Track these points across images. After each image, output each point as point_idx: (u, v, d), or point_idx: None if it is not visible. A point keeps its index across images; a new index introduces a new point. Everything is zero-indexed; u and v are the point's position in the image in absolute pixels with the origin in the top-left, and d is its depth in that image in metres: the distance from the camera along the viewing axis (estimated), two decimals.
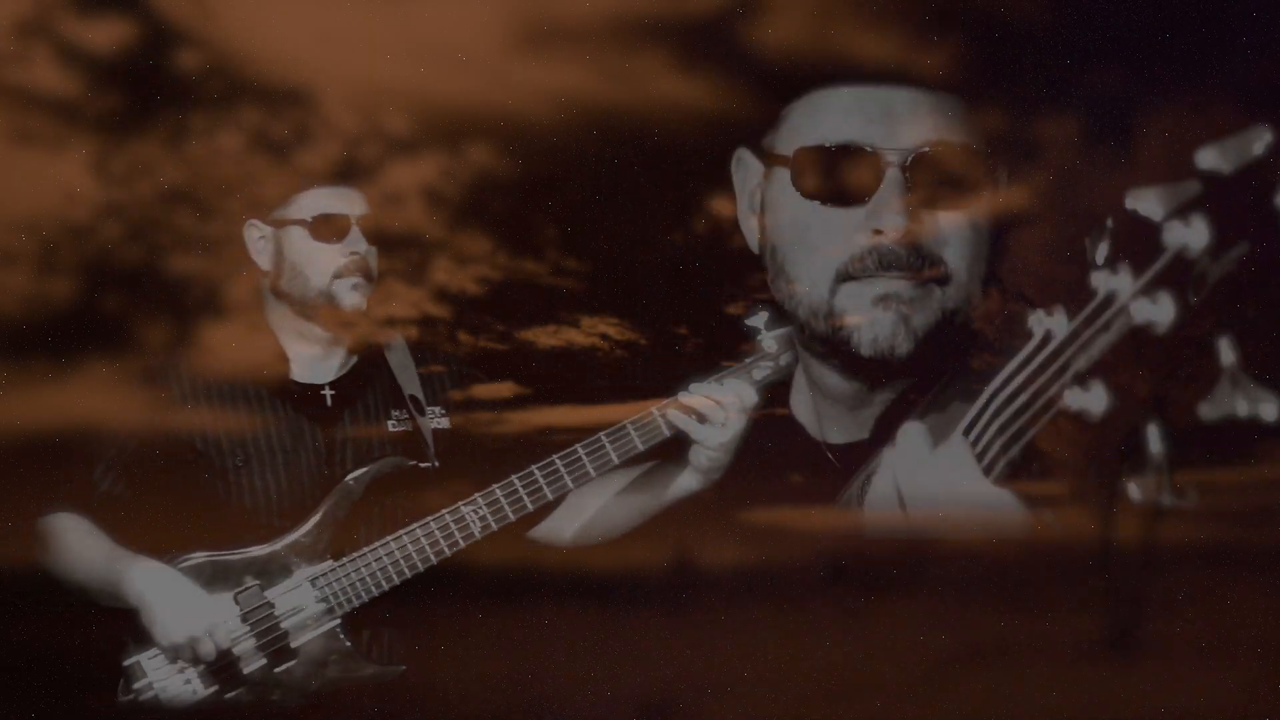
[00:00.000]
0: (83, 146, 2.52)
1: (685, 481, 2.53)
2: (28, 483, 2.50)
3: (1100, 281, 1.77)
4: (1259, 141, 1.65)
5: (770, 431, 2.48)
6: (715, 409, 2.42)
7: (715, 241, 2.63)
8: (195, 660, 2.43)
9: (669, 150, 2.57)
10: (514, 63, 2.51)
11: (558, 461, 2.51)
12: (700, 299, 2.68)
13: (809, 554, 2.51)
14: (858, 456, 2.42)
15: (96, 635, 2.51)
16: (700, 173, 2.59)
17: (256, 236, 2.55)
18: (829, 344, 2.30)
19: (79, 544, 2.48)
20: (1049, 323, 1.89)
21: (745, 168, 2.47)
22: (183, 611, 2.42)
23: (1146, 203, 1.69)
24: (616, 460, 2.51)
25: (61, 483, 2.49)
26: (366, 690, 2.52)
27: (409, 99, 2.54)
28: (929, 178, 2.20)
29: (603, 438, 2.51)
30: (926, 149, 2.20)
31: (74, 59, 2.48)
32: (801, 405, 2.50)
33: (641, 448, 2.51)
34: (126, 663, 2.45)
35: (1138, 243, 1.72)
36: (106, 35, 2.48)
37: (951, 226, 2.25)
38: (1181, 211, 1.67)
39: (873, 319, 2.24)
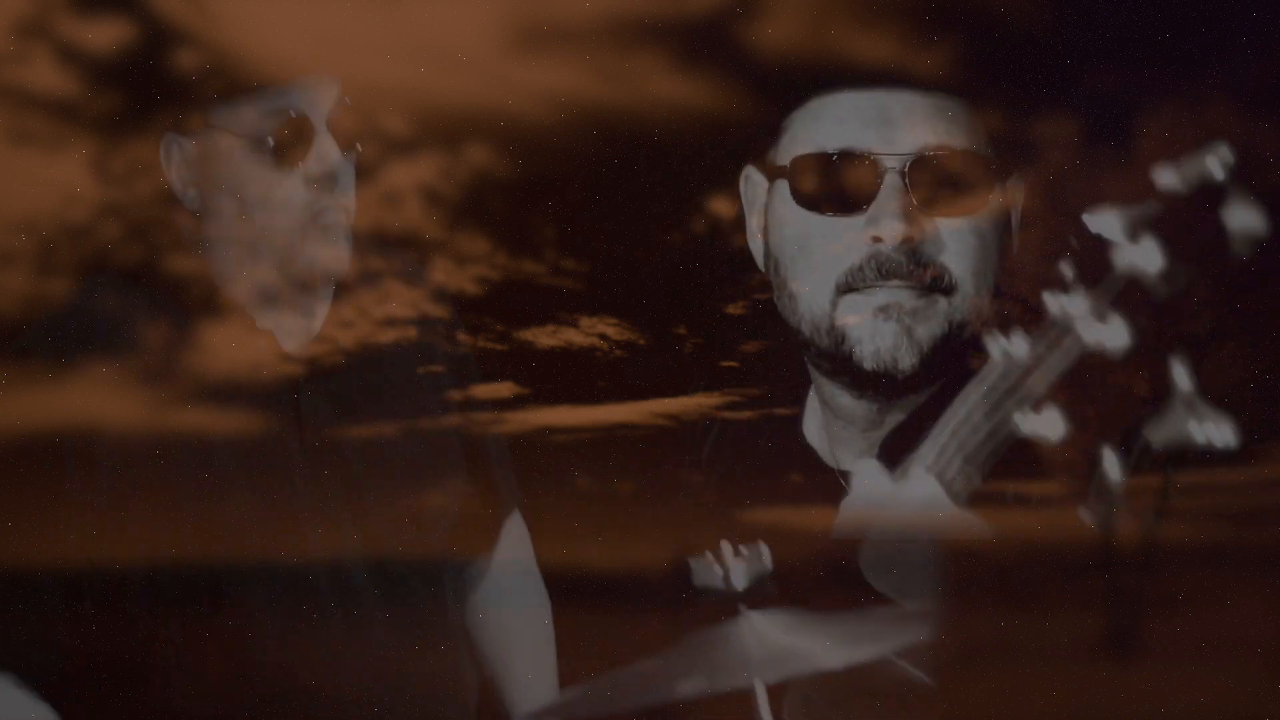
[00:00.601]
0: (82, 146, 2.52)
1: None
2: (28, 483, 2.50)
3: (1054, 304, 1.73)
4: (1214, 159, 1.60)
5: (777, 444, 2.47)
6: None
7: (715, 241, 2.63)
8: None
9: (668, 150, 2.57)
10: (513, 63, 2.50)
11: None
12: (700, 299, 2.67)
13: (809, 554, 2.50)
14: None
15: (98, 636, 2.51)
16: (700, 173, 2.58)
17: None
18: (833, 359, 2.24)
19: None
20: (1009, 348, 1.83)
21: (753, 185, 2.40)
22: None
23: (1106, 224, 1.66)
24: None
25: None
26: (364, 690, 2.52)
27: (407, 99, 2.53)
28: (929, 182, 2.14)
29: None
30: (926, 153, 2.14)
31: (72, 59, 2.48)
32: (814, 428, 2.46)
33: None
34: None
35: (1100, 264, 1.69)
36: (105, 35, 2.47)
37: (953, 233, 2.18)
38: (1134, 233, 1.63)
39: (874, 330, 2.17)
